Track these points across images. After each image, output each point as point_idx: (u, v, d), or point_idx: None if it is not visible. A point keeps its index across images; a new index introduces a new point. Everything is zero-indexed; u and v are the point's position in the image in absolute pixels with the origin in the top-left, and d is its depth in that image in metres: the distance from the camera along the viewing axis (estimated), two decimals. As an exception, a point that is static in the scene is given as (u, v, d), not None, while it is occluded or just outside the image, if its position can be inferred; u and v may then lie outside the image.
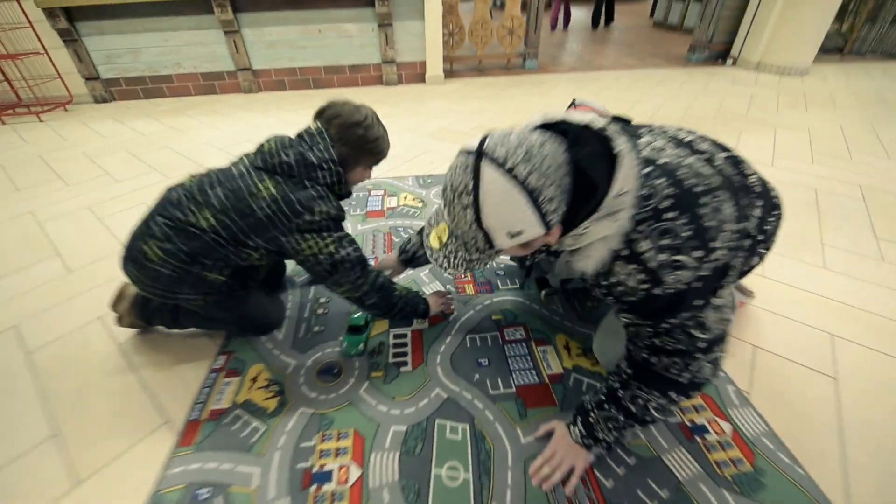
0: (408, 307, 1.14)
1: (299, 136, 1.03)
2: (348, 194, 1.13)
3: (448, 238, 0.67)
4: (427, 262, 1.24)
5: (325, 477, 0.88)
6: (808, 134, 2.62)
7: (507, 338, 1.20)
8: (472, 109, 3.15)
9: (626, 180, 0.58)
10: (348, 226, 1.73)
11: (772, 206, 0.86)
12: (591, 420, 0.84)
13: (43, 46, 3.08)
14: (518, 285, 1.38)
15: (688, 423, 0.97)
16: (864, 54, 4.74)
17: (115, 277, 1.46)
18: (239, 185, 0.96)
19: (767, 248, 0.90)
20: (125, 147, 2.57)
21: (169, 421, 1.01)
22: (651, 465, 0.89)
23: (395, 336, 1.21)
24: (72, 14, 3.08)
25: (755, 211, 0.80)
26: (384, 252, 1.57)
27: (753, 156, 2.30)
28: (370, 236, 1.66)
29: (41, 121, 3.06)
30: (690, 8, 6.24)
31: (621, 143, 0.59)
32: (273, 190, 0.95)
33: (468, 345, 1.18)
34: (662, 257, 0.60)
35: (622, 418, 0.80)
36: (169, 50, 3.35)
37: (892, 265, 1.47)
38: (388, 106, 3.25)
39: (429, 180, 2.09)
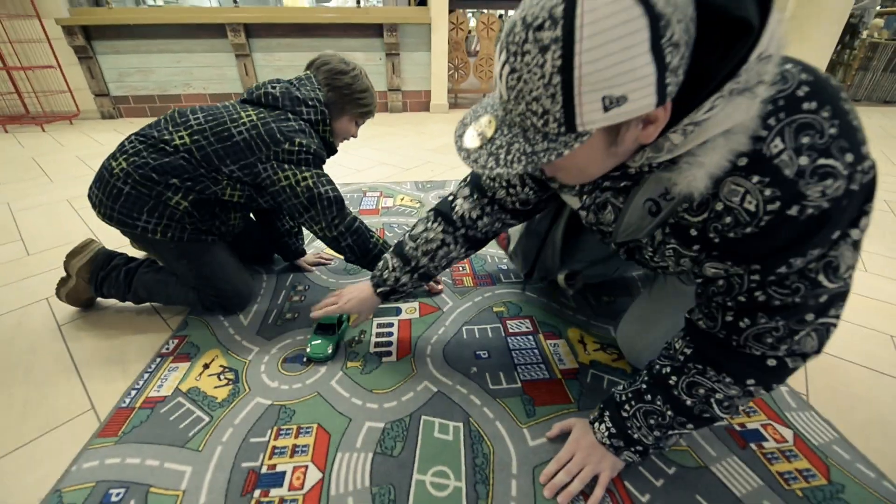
0: (383, 256, 0.98)
1: (288, 80, 1.00)
2: (333, 149, 1.07)
3: (497, 130, 0.45)
4: (410, 296, 0.95)
5: (275, 480, 0.68)
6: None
7: (510, 330, 1.03)
8: (476, 132, 3.14)
9: (773, 35, 0.37)
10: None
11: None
12: (623, 414, 0.65)
13: (57, 61, 3.15)
14: (521, 279, 1.22)
15: (737, 428, 0.78)
16: (860, 101, 4.85)
17: (74, 261, 1.32)
18: (220, 111, 0.95)
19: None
20: (121, 153, 2.52)
21: (94, 408, 0.82)
22: (698, 477, 0.69)
23: (379, 325, 1.04)
24: (90, 32, 3.18)
25: None
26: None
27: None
28: (362, 231, 1.53)
29: (44, 131, 3.06)
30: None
31: (772, 20, 0.37)
32: (254, 117, 0.93)
33: (465, 336, 1.01)
34: (803, 161, 0.41)
35: (670, 413, 0.60)
36: (180, 71, 3.43)
37: (941, 270, 1.31)
38: (391, 126, 3.25)
39: (427, 185, 2.00)
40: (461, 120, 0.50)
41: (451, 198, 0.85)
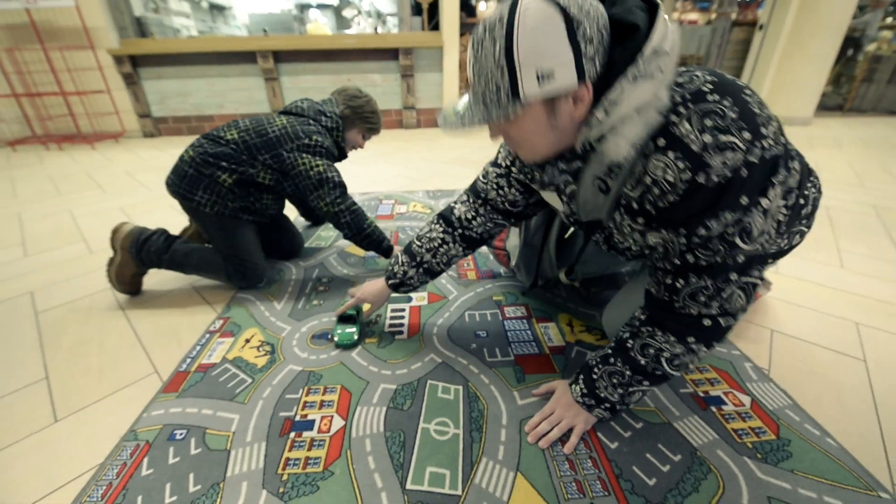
0: (374, 236, 1.29)
1: (316, 101, 1.35)
2: (344, 153, 1.39)
3: (466, 107, 0.60)
4: (416, 289, 1.07)
5: (307, 425, 0.83)
6: (815, 167, 2.63)
7: (507, 315, 1.17)
8: (485, 144, 3.32)
9: (664, 37, 0.51)
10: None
11: (809, 172, 0.81)
12: (593, 376, 0.77)
13: (106, 86, 3.50)
14: (526, 283, 1.33)
15: (701, 394, 0.89)
16: (865, 111, 4.87)
17: (131, 258, 1.53)
18: (262, 118, 1.26)
19: (808, 225, 0.86)
20: (161, 167, 2.79)
21: (157, 372, 0.99)
22: (661, 431, 0.81)
23: (393, 310, 1.19)
24: (136, 60, 3.53)
25: (794, 163, 0.63)
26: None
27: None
28: (378, 234, 1.70)
29: (94, 149, 3.38)
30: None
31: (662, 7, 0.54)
32: (285, 122, 1.24)
33: (467, 319, 1.15)
34: (707, 138, 0.52)
35: (628, 373, 0.72)
36: (215, 94, 3.74)
37: (918, 268, 1.39)
38: (406, 141, 3.46)
39: (438, 193, 2.17)
40: (443, 107, 0.68)
41: (452, 203, 1.00)
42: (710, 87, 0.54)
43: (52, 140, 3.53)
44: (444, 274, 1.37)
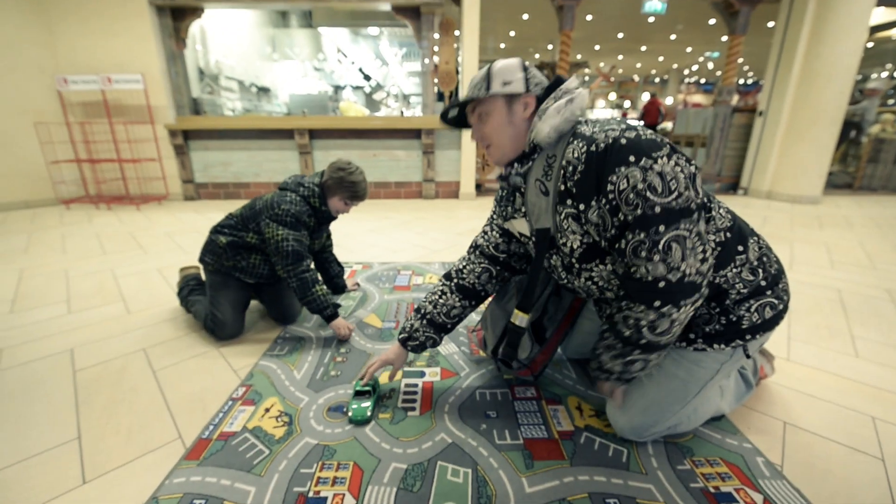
0: (316, 303, 1.45)
1: (304, 175, 1.62)
2: (328, 216, 1.59)
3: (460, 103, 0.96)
4: (427, 347, 1.16)
5: (320, 502, 0.85)
6: (825, 247, 2.68)
7: (517, 395, 1.19)
8: (499, 218, 3.49)
9: (570, 83, 0.88)
10: (375, 294, 1.88)
11: (747, 233, 0.93)
12: (598, 352, 0.92)
13: (159, 155, 3.90)
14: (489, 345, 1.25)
15: (711, 490, 0.89)
16: (876, 189, 4.97)
17: (167, 320, 1.65)
18: (260, 195, 1.57)
19: (778, 297, 0.91)
20: (198, 230, 3.01)
21: (181, 437, 1.04)
22: (670, 529, 0.81)
23: (407, 385, 1.24)
24: (188, 134, 3.95)
25: (722, 210, 0.89)
26: (405, 317, 1.66)
27: (772, 263, 2.35)
28: (395, 304, 1.79)
29: (139, 210, 3.68)
30: (699, 153, 6.97)
31: (571, 78, 0.90)
32: (270, 195, 1.52)
33: (477, 398, 1.18)
34: (596, 129, 0.80)
35: (620, 345, 0.85)
36: (253, 164, 4.11)
37: (935, 361, 1.38)
38: (424, 212, 3.68)
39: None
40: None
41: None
42: (608, 118, 0.83)
43: (103, 200, 3.87)
44: (457, 349, 1.43)
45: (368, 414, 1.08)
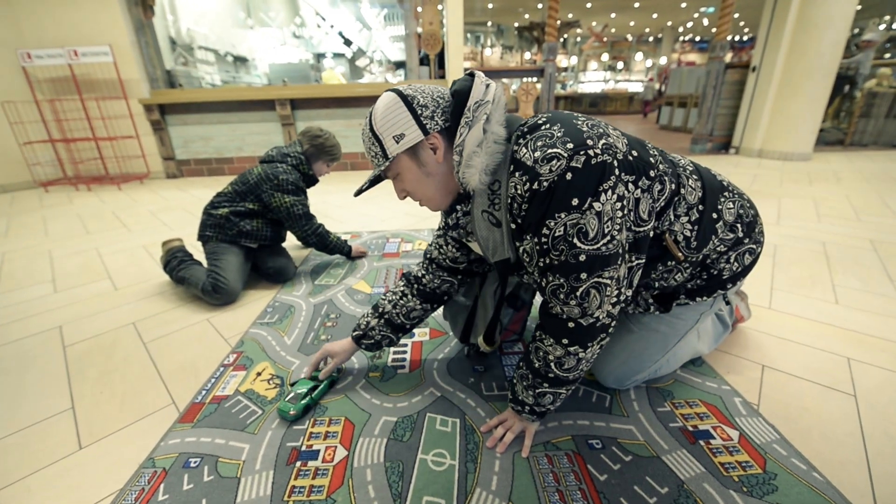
0: (337, 249, 1.79)
1: (283, 145, 1.71)
2: (315, 179, 1.76)
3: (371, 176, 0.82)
4: (383, 346, 1.09)
5: (312, 455, 0.88)
6: (813, 201, 2.69)
7: (504, 350, 1.22)
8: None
9: (484, 92, 0.72)
10: (364, 262, 1.88)
11: (731, 190, 0.88)
12: (514, 381, 0.89)
13: (136, 132, 3.77)
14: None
15: (690, 428, 0.92)
16: (867, 145, 4.96)
17: (155, 294, 1.65)
18: (245, 172, 1.68)
19: (757, 241, 0.90)
20: (183, 207, 2.96)
21: (174, 403, 1.05)
22: (649, 464, 0.84)
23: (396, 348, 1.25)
24: (164, 108, 3.81)
25: (663, 165, 0.76)
26: (395, 282, 1.67)
27: (759, 218, 2.37)
28: (384, 271, 1.79)
29: (120, 190, 3.60)
30: (692, 114, 6.88)
31: (479, 74, 0.74)
32: (260, 169, 1.63)
33: (465, 354, 1.20)
34: (537, 154, 0.66)
35: (530, 376, 0.82)
36: (235, 138, 3.99)
37: (910, 303, 1.42)
38: (413, 181, 3.62)
39: (443, 231, 2.27)
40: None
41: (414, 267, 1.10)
42: (544, 119, 0.71)
43: (82, 181, 3.77)
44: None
45: (292, 413, 0.96)
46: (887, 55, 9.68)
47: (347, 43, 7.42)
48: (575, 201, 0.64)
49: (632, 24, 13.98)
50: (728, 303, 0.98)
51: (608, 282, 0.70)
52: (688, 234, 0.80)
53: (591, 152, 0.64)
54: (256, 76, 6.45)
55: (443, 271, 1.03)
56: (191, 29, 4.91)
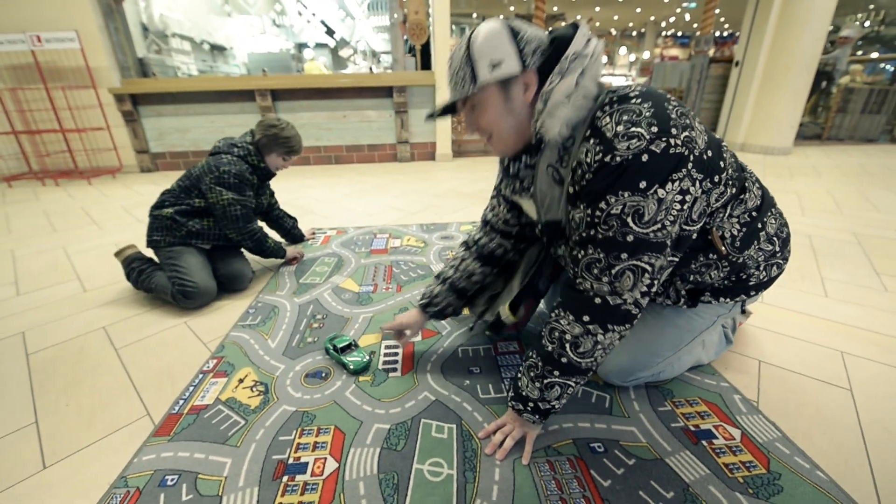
0: (273, 253, 1.64)
1: (234, 137, 1.59)
2: (269, 173, 1.63)
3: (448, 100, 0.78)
4: (448, 314, 1.12)
5: (300, 468, 0.82)
6: (796, 195, 2.73)
7: (499, 350, 1.18)
8: (476, 178, 3.41)
9: (585, 45, 0.69)
10: (351, 259, 1.82)
11: (772, 204, 0.89)
12: (519, 376, 0.84)
13: (107, 124, 3.58)
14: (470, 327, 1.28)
15: (692, 428, 0.90)
16: (843, 140, 5.09)
17: (128, 296, 1.55)
18: (193, 166, 1.56)
19: (785, 257, 0.91)
20: (159, 202, 2.82)
21: (149, 414, 0.98)
22: (653, 467, 0.82)
23: (387, 347, 1.20)
24: (137, 99, 3.63)
25: (731, 170, 0.76)
26: (384, 280, 1.61)
27: (746, 212, 2.39)
28: (372, 268, 1.73)
29: (90, 184, 3.42)
30: (677, 107, 6.94)
31: (584, 25, 0.70)
32: (204, 161, 1.51)
33: (460, 355, 1.16)
34: (619, 128, 0.64)
35: (540, 363, 0.78)
36: (213, 130, 3.83)
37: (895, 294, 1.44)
38: (400, 175, 3.55)
39: (431, 227, 2.21)
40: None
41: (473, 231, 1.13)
42: (637, 93, 0.68)
43: (49, 176, 3.57)
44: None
45: (367, 358, 1.11)
46: (860, 52, 9.97)
47: (330, 32, 7.22)
48: (643, 184, 0.63)
49: (615, 17, 14.04)
50: (744, 310, 0.97)
51: (647, 267, 0.68)
52: (735, 232, 0.81)
53: (672, 141, 0.63)
54: (235, 66, 6.22)
55: (496, 233, 1.05)
56: (164, 15, 4.68)
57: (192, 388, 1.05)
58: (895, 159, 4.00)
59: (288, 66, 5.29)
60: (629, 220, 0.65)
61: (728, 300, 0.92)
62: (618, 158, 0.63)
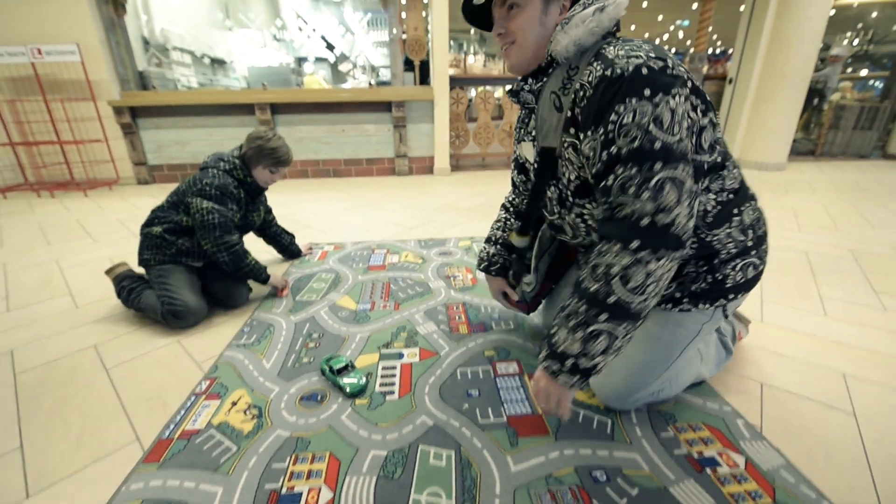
0: (252, 273, 1.52)
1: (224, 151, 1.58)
2: (258, 187, 1.59)
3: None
4: (506, 264, 1.24)
5: (294, 499, 0.80)
6: (792, 212, 2.75)
7: (499, 371, 1.16)
8: (474, 192, 3.42)
9: None
10: (349, 275, 1.80)
11: (751, 196, 0.91)
12: (552, 332, 0.76)
13: (105, 136, 3.58)
14: (525, 310, 1.31)
15: (695, 455, 0.88)
16: (836, 155, 5.16)
17: (120, 313, 1.53)
18: (182, 182, 1.53)
19: (760, 257, 0.90)
20: (155, 215, 2.80)
21: (139, 439, 0.95)
22: (657, 498, 0.79)
23: (384, 368, 1.18)
24: (136, 111, 3.64)
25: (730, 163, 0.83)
26: (381, 297, 1.60)
27: (743, 228, 2.40)
28: (369, 285, 1.71)
29: (86, 196, 3.40)
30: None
31: None
32: (192, 176, 1.48)
33: (458, 377, 1.14)
34: (621, 52, 0.69)
35: (584, 307, 0.70)
36: (212, 142, 3.84)
37: (895, 313, 1.44)
38: (398, 189, 3.56)
39: (429, 242, 2.20)
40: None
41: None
42: (641, 41, 0.72)
43: (45, 187, 3.55)
44: (436, 328, 1.38)
45: (364, 380, 1.10)
46: (850, 69, 10.19)
47: (330, 47, 7.31)
48: (647, 91, 0.65)
49: (611, 34, 14.31)
50: (727, 317, 0.95)
51: (685, 179, 0.66)
52: (710, 208, 0.81)
53: (670, 63, 0.68)
54: (235, 79, 6.27)
55: (516, 188, 1.13)
56: (165, 29, 4.72)
57: (183, 411, 1.02)
58: (888, 175, 4.06)
59: (288, 80, 5.34)
60: (651, 126, 0.65)
61: (707, 305, 0.90)
62: (618, 70, 0.66)
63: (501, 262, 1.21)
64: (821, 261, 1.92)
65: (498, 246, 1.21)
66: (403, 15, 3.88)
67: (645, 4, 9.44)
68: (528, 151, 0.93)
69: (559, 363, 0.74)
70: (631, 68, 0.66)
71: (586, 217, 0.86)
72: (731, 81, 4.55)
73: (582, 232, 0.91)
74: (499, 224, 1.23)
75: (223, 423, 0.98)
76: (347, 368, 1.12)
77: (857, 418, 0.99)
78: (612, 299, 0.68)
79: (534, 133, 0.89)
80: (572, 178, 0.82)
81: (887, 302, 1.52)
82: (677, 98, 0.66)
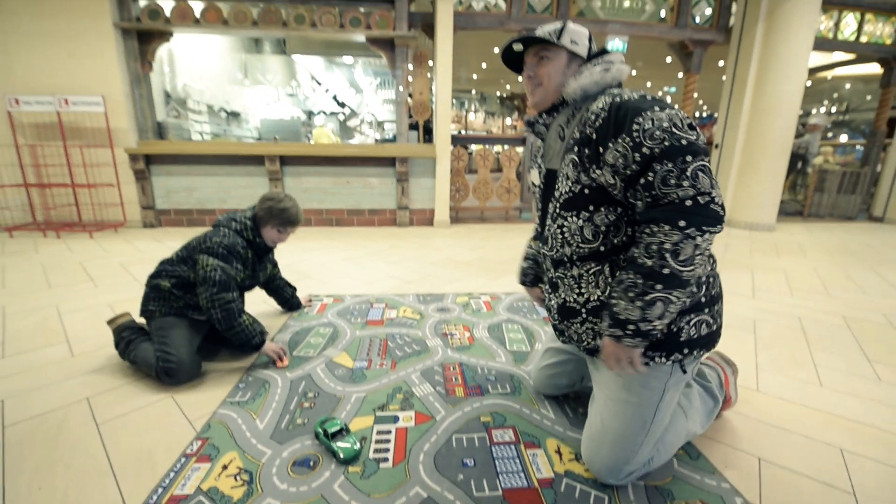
0: (243, 335, 1.45)
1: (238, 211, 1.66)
2: (266, 246, 1.65)
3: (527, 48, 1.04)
4: (539, 279, 1.32)
5: (280, 578, 0.77)
6: (783, 274, 2.82)
7: (494, 439, 1.15)
8: (473, 245, 3.50)
9: (616, 56, 0.97)
10: (346, 330, 1.81)
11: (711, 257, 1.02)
12: (612, 302, 0.86)
13: (117, 180, 3.71)
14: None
15: (694, 539, 0.86)
16: (823, 216, 5.35)
17: (116, 363, 1.52)
18: (194, 237, 1.57)
19: (713, 316, 0.97)
20: (156, 260, 2.83)
21: (124, 505, 0.93)
22: (656, 586, 0.77)
23: (379, 433, 1.17)
24: (150, 158, 3.80)
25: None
26: (378, 355, 1.60)
27: (734, 289, 2.45)
28: (367, 341, 1.72)
29: (91, 238, 3.46)
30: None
31: (618, 52, 0.99)
32: (203, 233, 1.53)
33: (454, 444, 1.13)
34: (626, 95, 0.86)
35: (640, 281, 0.80)
36: (220, 190, 3.98)
37: (891, 385, 1.45)
38: (398, 240, 3.64)
39: (428, 297, 2.23)
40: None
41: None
42: (634, 91, 0.87)
43: (51, 227, 3.62)
44: (432, 390, 1.37)
45: (358, 446, 1.09)
46: (830, 134, 10.81)
47: (341, 105, 7.78)
48: (657, 107, 0.80)
49: (603, 97, 15.25)
50: (685, 372, 0.97)
51: (710, 166, 0.79)
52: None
53: (669, 102, 0.83)
54: (248, 130, 6.59)
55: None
56: (187, 84, 5.05)
57: (172, 474, 1.00)
58: (875, 238, 4.19)
59: (298, 132, 5.62)
60: (672, 129, 0.77)
61: (662, 359, 0.92)
62: (625, 97, 0.84)
63: (533, 273, 1.31)
64: (814, 327, 1.95)
65: (529, 260, 1.32)
66: (410, 79, 4.18)
67: (634, 72, 10.19)
68: (535, 177, 1.09)
69: (622, 329, 0.85)
70: (636, 95, 0.84)
71: (564, 229, 0.97)
72: (717, 146, 4.82)
73: (558, 243, 1.00)
74: (531, 243, 1.35)
75: (212, 489, 0.96)
76: (342, 432, 1.11)
77: (856, 497, 0.97)
78: (665, 270, 0.79)
79: (540, 161, 1.07)
80: (564, 190, 0.94)
81: (882, 372, 1.54)
82: (681, 112, 0.81)
